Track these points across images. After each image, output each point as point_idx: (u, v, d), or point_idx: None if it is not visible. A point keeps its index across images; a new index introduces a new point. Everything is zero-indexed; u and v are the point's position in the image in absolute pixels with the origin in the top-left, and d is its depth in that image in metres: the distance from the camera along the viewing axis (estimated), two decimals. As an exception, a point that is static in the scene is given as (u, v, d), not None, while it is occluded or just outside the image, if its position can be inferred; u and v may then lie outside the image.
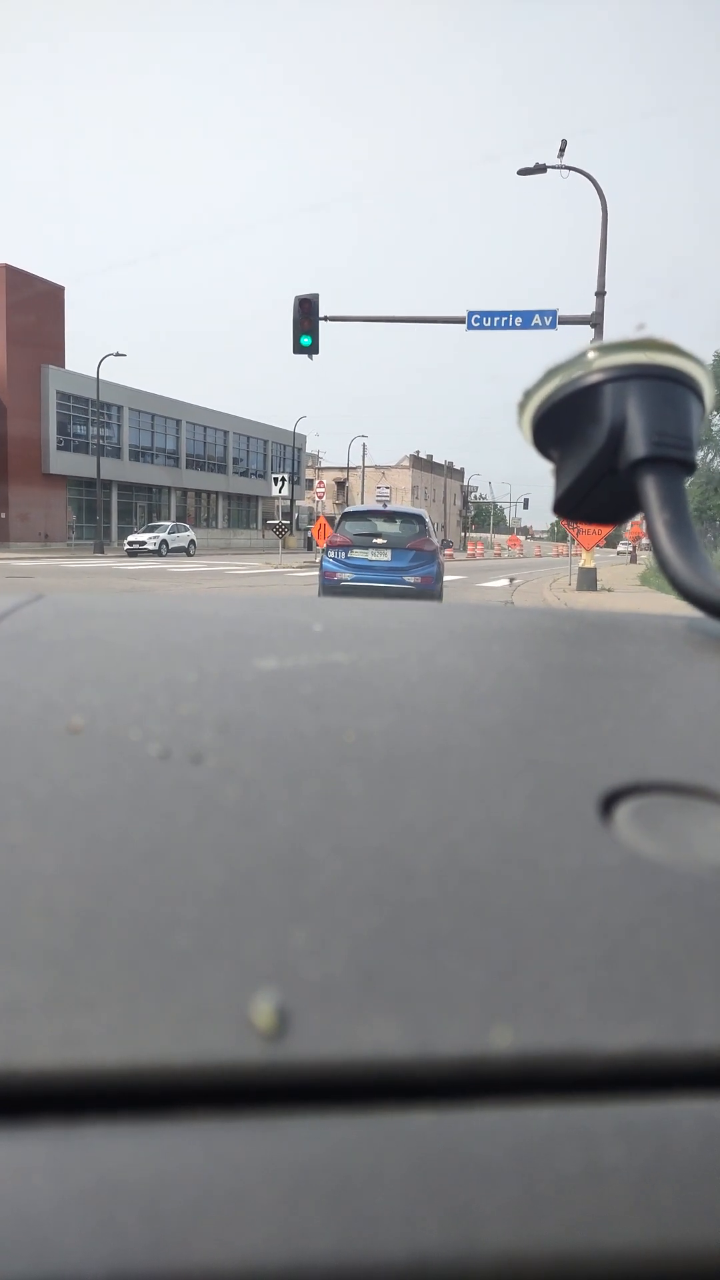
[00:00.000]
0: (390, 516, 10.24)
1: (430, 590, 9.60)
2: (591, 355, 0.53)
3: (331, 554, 10.02)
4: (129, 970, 0.22)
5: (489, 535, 76.87)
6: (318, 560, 12.24)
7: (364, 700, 0.40)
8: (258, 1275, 0.17)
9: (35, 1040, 0.20)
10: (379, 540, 9.84)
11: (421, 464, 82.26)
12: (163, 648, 0.49)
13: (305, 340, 15.40)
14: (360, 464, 69.95)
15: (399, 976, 0.23)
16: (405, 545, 9.78)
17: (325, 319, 15.77)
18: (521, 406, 0.57)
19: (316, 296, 15.43)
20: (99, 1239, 0.17)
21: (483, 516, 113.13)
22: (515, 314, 15.05)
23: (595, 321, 15.41)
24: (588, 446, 0.54)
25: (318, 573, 10.44)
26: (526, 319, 15.18)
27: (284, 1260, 0.17)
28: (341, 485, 73.50)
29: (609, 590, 17.08)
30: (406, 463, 79.97)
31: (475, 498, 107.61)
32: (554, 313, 14.97)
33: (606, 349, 0.53)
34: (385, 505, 14.06)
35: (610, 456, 0.53)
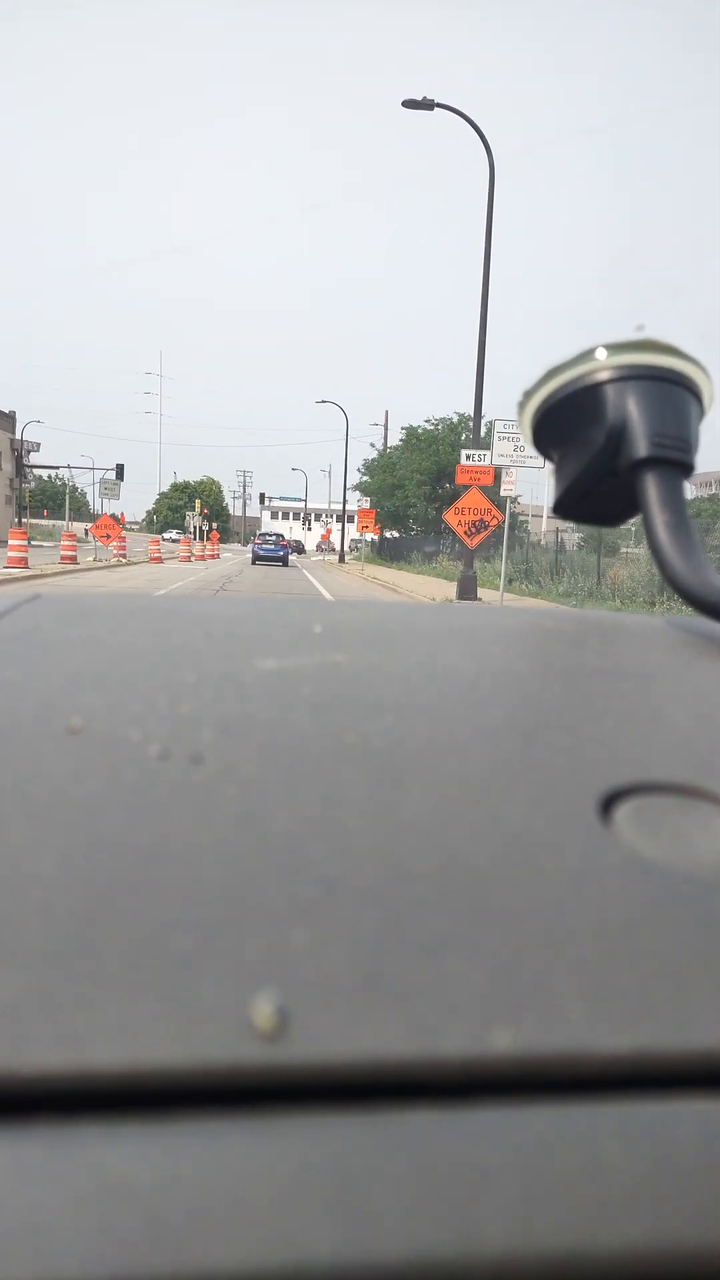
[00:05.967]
0: (274, 534, 42.29)
1: (285, 558, 40.05)
2: (592, 356, 0.54)
3: (255, 544, 40.92)
4: (128, 971, 0.22)
5: (66, 523, 42.47)
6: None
7: (364, 700, 0.40)
8: (258, 1276, 0.17)
9: (35, 1041, 0.20)
10: (270, 539, 40.71)
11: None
12: (162, 648, 0.49)
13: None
14: None
15: (399, 977, 0.23)
16: (278, 544, 40.10)
17: None
18: (521, 406, 0.57)
19: None
20: (99, 1240, 0.17)
21: (52, 493, 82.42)
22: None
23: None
24: (587, 447, 0.55)
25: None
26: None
27: (284, 1261, 0.17)
28: None
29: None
30: None
31: (35, 463, 47.86)
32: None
33: (607, 350, 0.54)
34: (277, 534, 41.27)
35: (610, 457, 0.54)
